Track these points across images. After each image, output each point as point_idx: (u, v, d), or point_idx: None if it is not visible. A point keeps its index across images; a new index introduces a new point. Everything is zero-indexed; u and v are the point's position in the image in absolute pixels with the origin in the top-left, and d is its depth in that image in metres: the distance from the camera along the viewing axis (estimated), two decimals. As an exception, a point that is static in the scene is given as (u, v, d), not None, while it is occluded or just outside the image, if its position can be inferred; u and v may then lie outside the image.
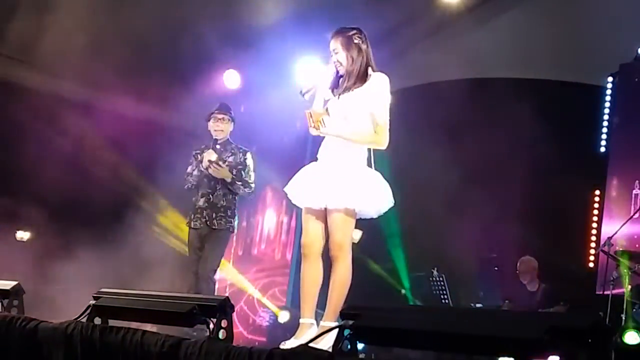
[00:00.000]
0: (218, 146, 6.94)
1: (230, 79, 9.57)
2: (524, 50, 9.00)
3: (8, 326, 4.25)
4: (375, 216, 4.84)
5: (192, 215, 6.97)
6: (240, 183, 6.94)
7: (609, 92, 8.62)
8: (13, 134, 8.81)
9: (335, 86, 4.93)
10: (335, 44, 4.89)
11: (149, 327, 4.51)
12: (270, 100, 9.44)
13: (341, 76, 4.92)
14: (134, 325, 4.11)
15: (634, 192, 8.05)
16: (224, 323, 3.67)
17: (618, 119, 8.46)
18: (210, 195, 6.90)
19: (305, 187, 4.83)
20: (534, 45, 8.89)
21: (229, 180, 6.87)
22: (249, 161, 7.04)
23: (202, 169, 6.87)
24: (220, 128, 7.03)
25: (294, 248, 10.65)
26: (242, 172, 6.98)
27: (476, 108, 8.90)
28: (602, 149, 8.53)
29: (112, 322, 4.18)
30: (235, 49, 9.00)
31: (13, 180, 8.75)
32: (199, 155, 7.00)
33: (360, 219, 4.83)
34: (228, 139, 7.10)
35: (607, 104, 8.61)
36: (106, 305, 4.26)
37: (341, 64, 4.88)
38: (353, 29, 4.91)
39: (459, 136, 8.74)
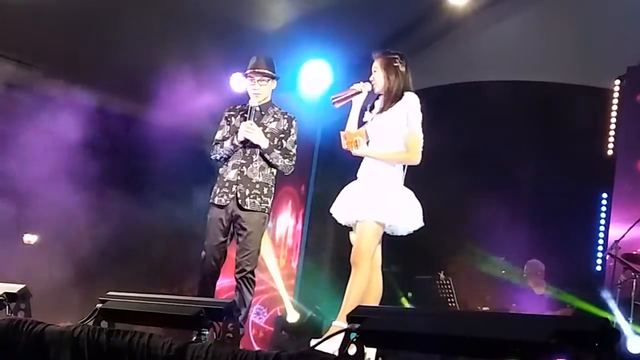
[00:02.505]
0: (258, 109, 5.85)
1: (236, 83, 9.56)
2: (530, 53, 8.98)
3: (15, 329, 4.26)
4: (404, 234, 5.05)
5: (218, 189, 5.76)
6: (279, 151, 5.77)
7: (616, 95, 8.58)
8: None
9: (372, 106, 5.16)
10: (376, 64, 5.13)
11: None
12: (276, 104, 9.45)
13: (377, 96, 5.15)
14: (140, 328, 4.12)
15: None
16: (230, 327, 3.68)
17: (625, 122, 8.43)
18: (244, 168, 5.71)
19: (342, 204, 5.10)
20: (541, 48, 8.87)
21: (265, 146, 5.69)
22: (294, 130, 5.89)
23: (237, 143, 5.76)
24: (257, 91, 5.84)
25: (300, 252, 10.58)
26: (284, 142, 5.83)
27: (483, 111, 8.89)
28: (610, 152, 8.50)
29: (119, 326, 4.20)
30: (241, 53, 9.01)
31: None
32: (232, 118, 5.92)
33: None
34: (270, 101, 5.94)
35: (615, 107, 8.58)
36: (113, 308, 4.27)
37: (377, 83, 5.10)
38: (396, 53, 5.14)
39: (465, 139, 8.73)
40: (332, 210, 5.17)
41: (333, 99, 5.22)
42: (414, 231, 5.05)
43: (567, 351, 2.59)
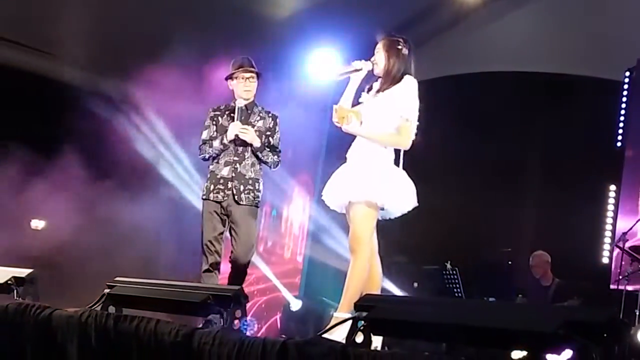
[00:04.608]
0: (244, 108, 6.07)
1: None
2: (540, 44, 8.96)
3: (23, 313, 4.27)
4: (398, 215, 4.89)
5: (212, 186, 5.97)
6: (269, 149, 6.07)
7: (626, 86, 8.56)
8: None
9: (370, 88, 5.06)
10: (379, 45, 5.03)
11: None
12: (283, 92, 9.46)
13: (377, 79, 5.04)
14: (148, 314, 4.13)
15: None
16: (237, 313, 3.68)
17: (635, 114, 8.41)
18: (237, 165, 5.96)
19: (332, 188, 4.97)
20: (551, 39, 8.85)
21: (257, 145, 5.98)
22: (278, 127, 6.18)
23: (226, 142, 5.98)
24: (248, 88, 6.10)
25: (307, 241, 10.50)
26: (271, 139, 6.11)
27: (492, 102, 8.88)
28: (619, 144, 8.48)
29: (126, 311, 4.21)
30: (251, 39, 9.01)
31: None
32: (219, 118, 6.14)
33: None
34: (254, 101, 6.18)
35: (624, 99, 8.56)
36: (120, 294, 4.28)
37: (378, 64, 5.00)
38: (401, 36, 5.04)
39: (474, 130, 8.72)
40: (323, 195, 5.04)
41: (340, 72, 5.17)
42: (409, 213, 4.87)
43: (575, 342, 2.58)
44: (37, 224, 9.90)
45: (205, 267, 5.98)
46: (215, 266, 5.99)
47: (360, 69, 5.06)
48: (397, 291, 8.80)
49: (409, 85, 4.88)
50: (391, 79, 4.92)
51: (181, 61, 8.63)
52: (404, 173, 4.88)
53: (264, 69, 6.28)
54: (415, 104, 4.87)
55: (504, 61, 9.30)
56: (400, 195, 4.80)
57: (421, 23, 9.32)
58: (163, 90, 9.40)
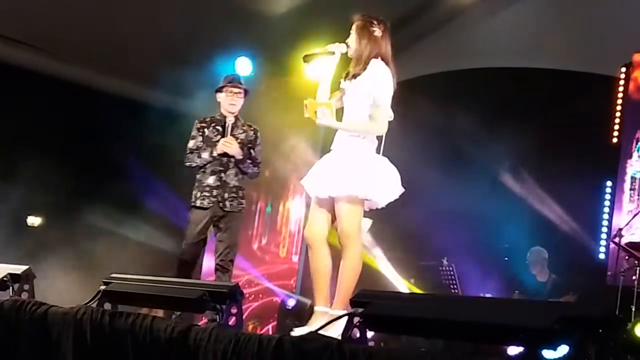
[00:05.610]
0: (230, 122, 6.48)
1: (242, 66, 9.54)
2: (536, 40, 8.94)
3: (18, 310, 4.27)
4: (385, 204, 4.80)
5: (199, 194, 6.38)
6: (250, 161, 6.46)
7: (621, 82, 8.55)
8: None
9: (347, 73, 4.91)
10: (353, 27, 4.89)
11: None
12: (281, 88, 9.45)
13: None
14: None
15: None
16: (233, 310, 3.68)
17: (630, 110, 8.41)
18: (222, 174, 6.37)
19: (314, 177, 4.87)
20: (547, 35, 8.83)
21: (239, 157, 6.37)
22: (259, 140, 6.58)
23: (216, 155, 6.36)
24: (234, 102, 6.49)
25: (302, 237, 10.40)
26: (252, 151, 6.50)
27: (488, 98, 8.88)
28: (614, 140, 8.47)
29: (122, 308, 4.20)
30: (246, 36, 9.00)
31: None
32: (205, 130, 6.51)
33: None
34: (238, 115, 6.57)
35: (620, 95, 8.55)
36: (116, 290, 4.27)
37: (349, 46, 4.86)
38: (376, 18, 4.88)
39: (470, 126, 8.71)
40: (303, 181, 4.96)
41: (305, 56, 5.00)
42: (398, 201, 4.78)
43: (571, 337, 2.58)
44: (33, 220, 9.93)
45: (183, 259, 6.47)
46: (190, 270, 6.46)
47: (333, 53, 4.89)
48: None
49: (376, 69, 4.73)
50: (363, 62, 4.78)
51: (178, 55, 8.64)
52: (386, 160, 4.78)
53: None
54: (385, 87, 4.72)
55: (499, 57, 9.29)
56: (383, 185, 4.70)
57: (417, 19, 9.31)
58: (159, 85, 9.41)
